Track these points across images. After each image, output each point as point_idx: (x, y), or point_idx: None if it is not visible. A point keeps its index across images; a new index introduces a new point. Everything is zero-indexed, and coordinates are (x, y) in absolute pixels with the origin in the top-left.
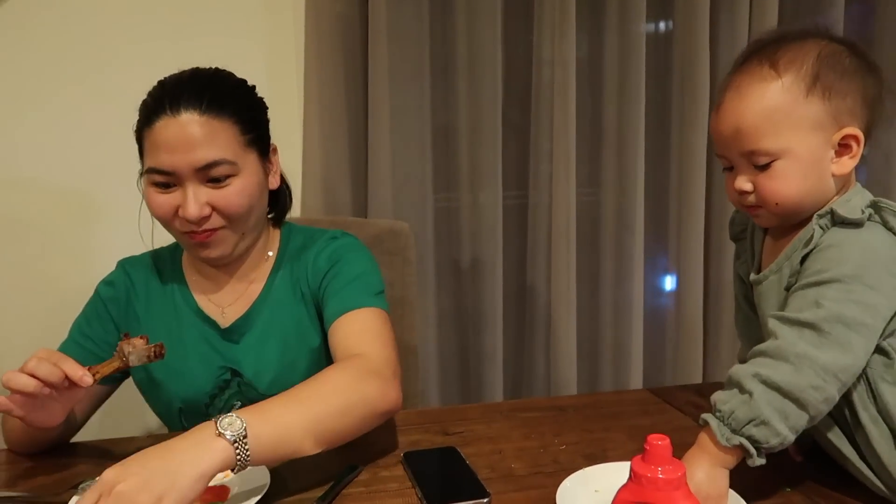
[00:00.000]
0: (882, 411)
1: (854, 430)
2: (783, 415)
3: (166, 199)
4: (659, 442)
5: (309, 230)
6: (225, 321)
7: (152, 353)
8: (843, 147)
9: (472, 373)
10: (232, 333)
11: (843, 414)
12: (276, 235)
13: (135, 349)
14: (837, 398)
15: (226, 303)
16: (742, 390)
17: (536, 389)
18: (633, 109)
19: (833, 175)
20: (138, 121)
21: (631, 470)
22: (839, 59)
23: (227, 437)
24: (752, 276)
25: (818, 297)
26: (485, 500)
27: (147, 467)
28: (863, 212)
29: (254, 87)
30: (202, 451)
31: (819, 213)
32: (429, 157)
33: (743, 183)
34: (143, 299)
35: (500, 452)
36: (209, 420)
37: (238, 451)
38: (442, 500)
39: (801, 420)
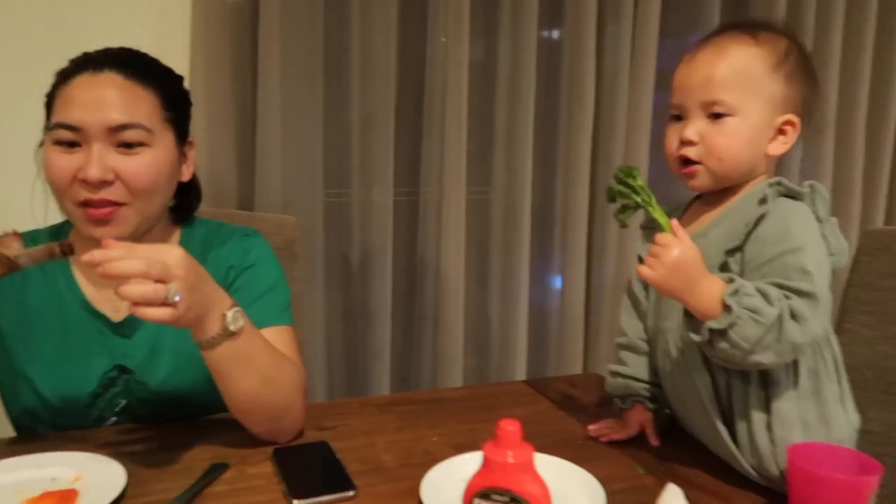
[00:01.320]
0: (769, 394)
1: (738, 410)
2: (775, 339)
3: (67, 161)
4: (510, 427)
5: (213, 223)
6: (118, 315)
7: (57, 251)
8: (780, 131)
9: (359, 369)
10: (124, 328)
11: (730, 392)
12: (176, 232)
13: (22, 250)
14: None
15: None
16: (766, 296)
17: (423, 384)
18: (522, 112)
19: (766, 154)
20: (53, 84)
21: (483, 455)
22: (803, 56)
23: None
24: None
25: (802, 265)
26: (350, 493)
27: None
28: (803, 186)
29: (181, 78)
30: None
31: (769, 181)
32: (320, 152)
33: (693, 133)
34: (20, 288)
35: (372, 445)
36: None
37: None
38: (306, 495)
39: (767, 354)
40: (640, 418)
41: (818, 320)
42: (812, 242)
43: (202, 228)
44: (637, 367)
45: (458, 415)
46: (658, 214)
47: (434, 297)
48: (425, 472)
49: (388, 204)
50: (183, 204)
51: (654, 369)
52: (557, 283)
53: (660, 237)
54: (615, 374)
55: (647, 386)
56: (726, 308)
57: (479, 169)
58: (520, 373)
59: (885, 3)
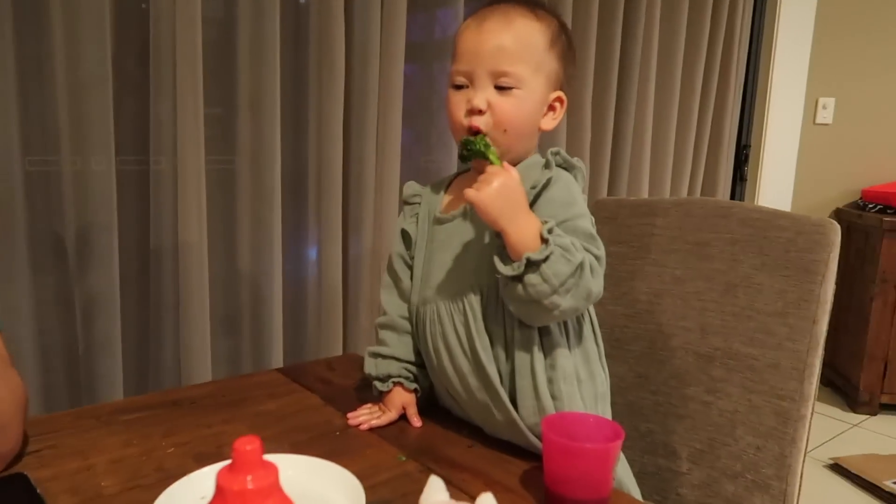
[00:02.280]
0: (549, 352)
1: (521, 371)
2: (576, 284)
3: None
4: (247, 447)
5: None
6: None
7: None
8: (550, 107)
9: (82, 370)
10: None
11: (510, 355)
12: None
13: None
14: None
15: None
16: (573, 243)
17: (165, 383)
18: (268, 76)
19: (539, 128)
20: None
21: (216, 483)
22: (569, 37)
23: None
24: (441, 216)
25: (589, 231)
26: None
27: None
28: (574, 160)
29: None
30: None
31: (552, 150)
32: (14, 111)
33: (481, 101)
34: None
35: (89, 469)
36: None
37: None
38: None
39: (567, 298)
40: (400, 400)
41: (602, 280)
42: (588, 212)
43: None
44: (397, 346)
45: (201, 417)
46: (494, 158)
47: (173, 280)
48: (157, 495)
49: (111, 174)
50: None
51: (415, 349)
52: (312, 256)
53: (490, 167)
54: (374, 354)
55: (407, 365)
56: (544, 241)
57: (222, 136)
58: (277, 358)
59: None
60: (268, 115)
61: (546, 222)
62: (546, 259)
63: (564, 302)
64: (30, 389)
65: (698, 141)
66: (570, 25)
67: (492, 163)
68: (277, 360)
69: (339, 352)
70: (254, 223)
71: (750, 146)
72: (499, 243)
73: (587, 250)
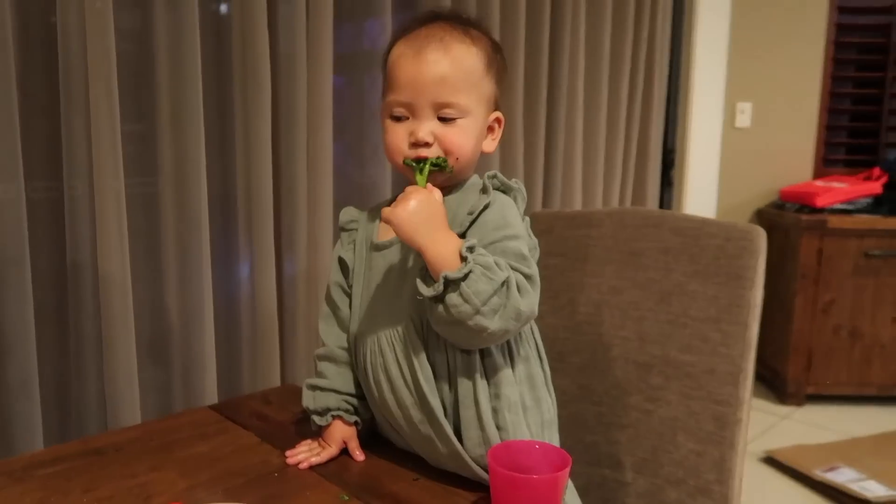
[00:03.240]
0: (493, 381)
1: (465, 401)
2: (503, 304)
3: None
4: None
5: None
6: None
7: None
8: (489, 129)
9: None
10: None
11: (453, 384)
12: None
13: None
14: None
15: None
16: (497, 263)
17: (89, 424)
18: (190, 92)
19: (483, 152)
20: None
21: None
22: (502, 55)
23: None
24: (379, 242)
25: (520, 251)
26: None
27: None
28: (512, 182)
29: None
30: None
31: (489, 174)
32: None
33: (427, 134)
34: None
35: None
36: None
37: None
38: None
39: (494, 318)
40: (341, 434)
41: (535, 299)
42: (524, 233)
43: None
44: (336, 378)
45: (127, 465)
46: (420, 179)
47: (94, 314)
48: None
49: (21, 202)
50: None
51: (355, 381)
52: (245, 281)
53: (409, 188)
54: (313, 387)
55: (346, 397)
56: (463, 260)
57: (142, 157)
58: (210, 389)
59: (532, 4)
60: (191, 131)
61: (470, 241)
62: (465, 277)
63: (491, 323)
64: None
65: (627, 148)
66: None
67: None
68: (211, 391)
69: (277, 380)
70: (180, 248)
71: (675, 151)
72: (421, 264)
73: (516, 269)
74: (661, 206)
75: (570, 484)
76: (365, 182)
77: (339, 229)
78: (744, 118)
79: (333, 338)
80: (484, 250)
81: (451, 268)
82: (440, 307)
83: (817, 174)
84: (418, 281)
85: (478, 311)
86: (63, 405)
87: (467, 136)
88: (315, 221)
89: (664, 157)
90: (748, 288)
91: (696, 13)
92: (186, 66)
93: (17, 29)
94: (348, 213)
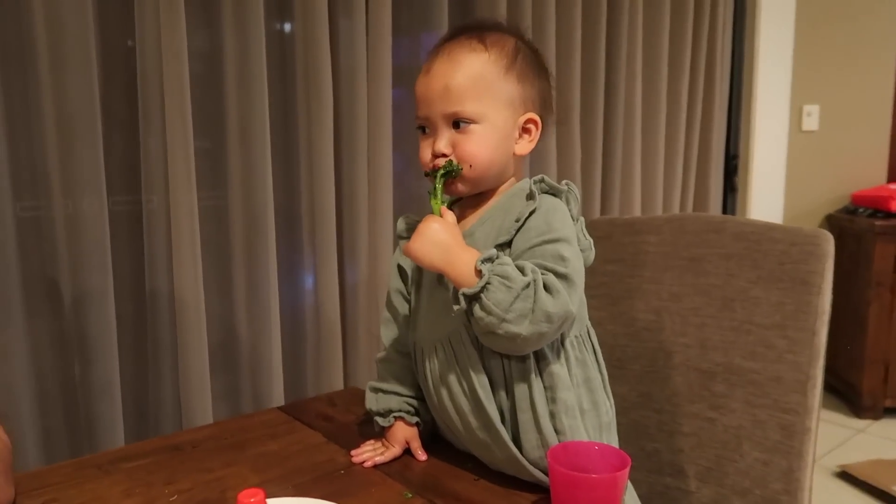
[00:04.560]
0: (550, 384)
1: (522, 405)
2: (530, 309)
3: None
4: (251, 500)
5: None
6: None
7: None
8: (524, 130)
9: (82, 415)
10: None
11: (509, 389)
12: None
13: None
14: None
15: None
16: (521, 269)
17: (165, 424)
18: (257, 108)
19: (514, 154)
20: None
21: None
22: (530, 53)
23: None
24: None
25: (560, 252)
26: None
27: None
28: (561, 184)
29: None
30: None
31: (535, 178)
32: (4, 157)
33: (443, 146)
34: None
35: None
36: None
37: None
38: None
39: (524, 323)
40: (403, 435)
41: (571, 299)
42: (570, 236)
43: None
44: (398, 381)
45: (203, 461)
46: (434, 203)
47: (169, 319)
48: None
49: (103, 215)
50: None
51: (415, 383)
52: (309, 288)
53: (425, 217)
54: (375, 389)
55: (408, 399)
56: (479, 274)
57: (212, 171)
58: (277, 392)
59: (588, 8)
60: (258, 146)
61: (486, 253)
62: (483, 290)
63: (522, 329)
64: (28, 435)
65: (687, 154)
66: (553, 49)
67: (432, 209)
68: (278, 394)
69: (340, 384)
70: (248, 257)
71: (738, 156)
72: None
73: (550, 269)
74: (725, 212)
75: (629, 487)
76: (422, 192)
77: (397, 237)
78: (811, 121)
79: (394, 342)
80: (506, 258)
81: (470, 284)
82: (472, 320)
83: (891, 177)
84: (452, 296)
85: (503, 320)
86: (141, 406)
87: (481, 143)
88: (375, 230)
89: (727, 163)
90: (815, 294)
91: (759, 12)
92: (253, 84)
93: (100, 53)
94: (405, 222)
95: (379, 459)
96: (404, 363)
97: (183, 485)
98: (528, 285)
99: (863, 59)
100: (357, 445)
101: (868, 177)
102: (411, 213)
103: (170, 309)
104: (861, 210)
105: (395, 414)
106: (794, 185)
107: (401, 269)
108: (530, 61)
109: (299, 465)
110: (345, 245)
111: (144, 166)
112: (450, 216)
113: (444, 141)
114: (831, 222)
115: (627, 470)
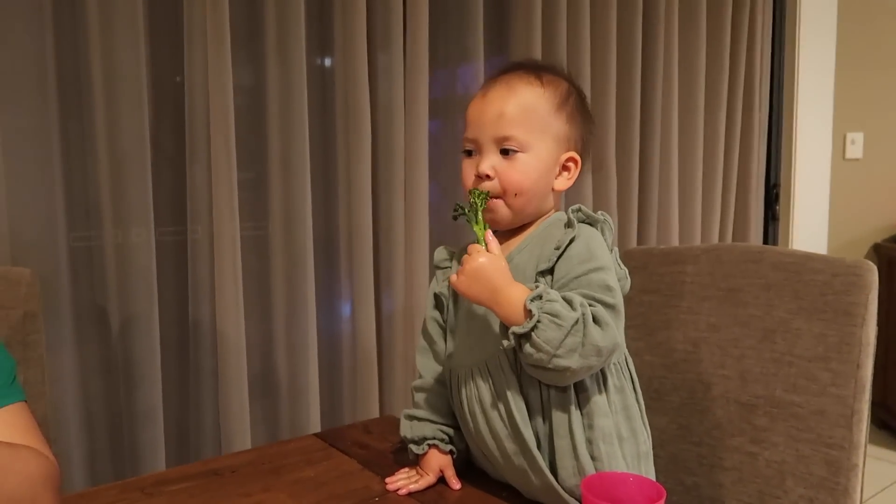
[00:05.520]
0: (587, 411)
1: (559, 430)
2: (580, 343)
3: None
4: None
5: None
6: None
7: None
8: (564, 167)
9: (126, 438)
10: None
11: (546, 416)
12: None
13: None
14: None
15: None
16: (570, 302)
17: (205, 448)
18: (297, 141)
19: (553, 189)
20: None
21: None
22: (579, 98)
23: None
24: None
25: (605, 282)
26: None
27: None
28: (597, 214)
29: None
30: None
31: (573, 208)
32: (60, 190)
33: (488, 168)
34: None
35: None
36: None
37: None
38: None
39: (573, 357)
40: (437, 463)
41: (619, 330)
42: (610, 264)
43: None
44: (433, 409)
45: (242, 485)
46: (478, 229)
47: (211, 347)
48: None
49: (150, 245)
50: None
51: (450, 412)
52: (346, 317)
53: (470, 247)
54: (410, 417)
55: (442, 427)
56: (528, 313)
57: (254, 202)
58: (314, 419)
59: (623, 35)
60: (298, 178)
61: (537, 288)
62: (533, 329)
63: (572, 362)
64: (74, 458)
65: (726, 184)
66: (588, 78)
67: (476, 235)
68: (315, 421)
69: (376, 411)
70: (288, 287)
71: (780, 185)
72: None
73: (599, 301)
74: (766, 242)
75: None
76: (459, 222)
77: (434, 267)
78: (855, 149)
79: (430, 370)
80: (554, 293)
81: (519, 322)
82: (521, 355)
83: None
84: (500, 332)
85: (554, 356)
86: (183, 430)
87: (526, 172)
88: (411, 260)
89: (768, 192)
90: (859, 325)
91: (799, 38)
92: (294, 117)
93: (151, 89)
94: (441, 253)
95: (413, 487)
96: (440, 391)
97: None
98: (577, 321)
99: None
100: (392, 473)
101: None
102: (447, 243)
103: (211, 336)
104: None
105: (430, 441)
106: (838, 215)
107: (437, 297)
108: (578, 105)
109: (335, 492)
110: (381, 274)
111: (190, 198)
112: (495, 245)
113: (488, 163)
114: (879, 252)
115: (663, 502)
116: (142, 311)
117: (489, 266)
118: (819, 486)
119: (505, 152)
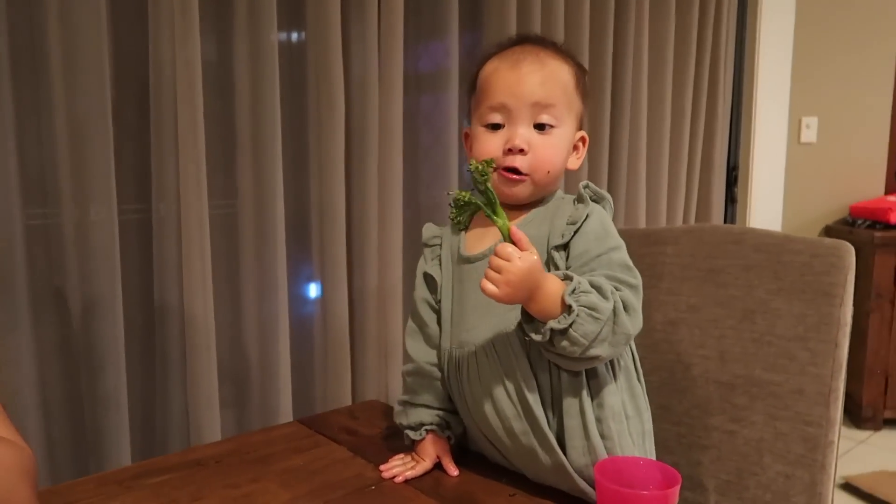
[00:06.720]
0: (597, 391)
1: (570, 410)
2: (611, 332)
3: None
4: None
5: None
6: None
7: None
8: (574, 147)
9: (88, 427)
10: None
11: (557, 395)
12: None
13: None
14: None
15: None
16: (601, 290)
17: (173, 436)
18: (268, 117)
19: (567, 168)
20: None
21: None
22: (586, 77)
23: None
24: (469, 255)
25: (625, 262)
26: None
27: None
28: (602, 190)
29: None
30: None
31: (582, 184)
32: (13, 165)
33: (524, 142)
34: None
35: None
36: None
37: None
38: None
39: (604, 346)
40: (434, 449)
41: (640, 312)
42: (623, 242)
43: None
44: (428, 393)
45: (228, 476)
46: (501, 224)
47: (178, 330)
48: None
49: (113, 223)
50: None
51: (446, 396)
52: (318, 297)
53: (501, 250)
54: (405, 403)
55: (439, 412)
56: (566, 307)
57: (223, 179)
58: (285, 405)
59: (595, 22)
60: (269, 155)
61: (568, 277)
62: (571, 325)
63: (602, 350)
64: (31, 446)
65: (691, 164)
66: None
67: (494, 219)
68: (286, 405)
69: (348, 394)
70: (258, 267)
71: (738, 168)
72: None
73: (623, 283)
74: (726, 222)
75: None
76: (430, 202)
77: (423, 245)
78: (809, 133)
79: (422, 354)
80: (585, 283)
81: (553, 315)
82: (549, 347)
83: (889, 189)
84: (524, 323)
85: (588, 347)
86: (148, 417)
87: (558, 149)
88: (385, 239)
89: (728, 174)
90: (837, 305)
91: (760, 26)
92: (265, 92)
93: (113, 60)
94: (430, 230)
95: (410, 474)
96: (433, 375)
97: (210, 501)
98: (612, 310)
99: (861, 72)
100: (384, 459)
101: (866, 188)
102: (421, 221)
103: (179, 318)
104: (860, 222)
105: (427, 427)
106: (792, 197)
107: (428, 277)
108: (586, 83)
109: (328, 481)
110: (354, 254)
111: (155, 174)
112: (527, 241)
113: (524, 137)
114: (830, 234)
115: (678, 488)
116: (104, 292)
117: (531, 268)
118: (796, 463)
119: (541, 127)
